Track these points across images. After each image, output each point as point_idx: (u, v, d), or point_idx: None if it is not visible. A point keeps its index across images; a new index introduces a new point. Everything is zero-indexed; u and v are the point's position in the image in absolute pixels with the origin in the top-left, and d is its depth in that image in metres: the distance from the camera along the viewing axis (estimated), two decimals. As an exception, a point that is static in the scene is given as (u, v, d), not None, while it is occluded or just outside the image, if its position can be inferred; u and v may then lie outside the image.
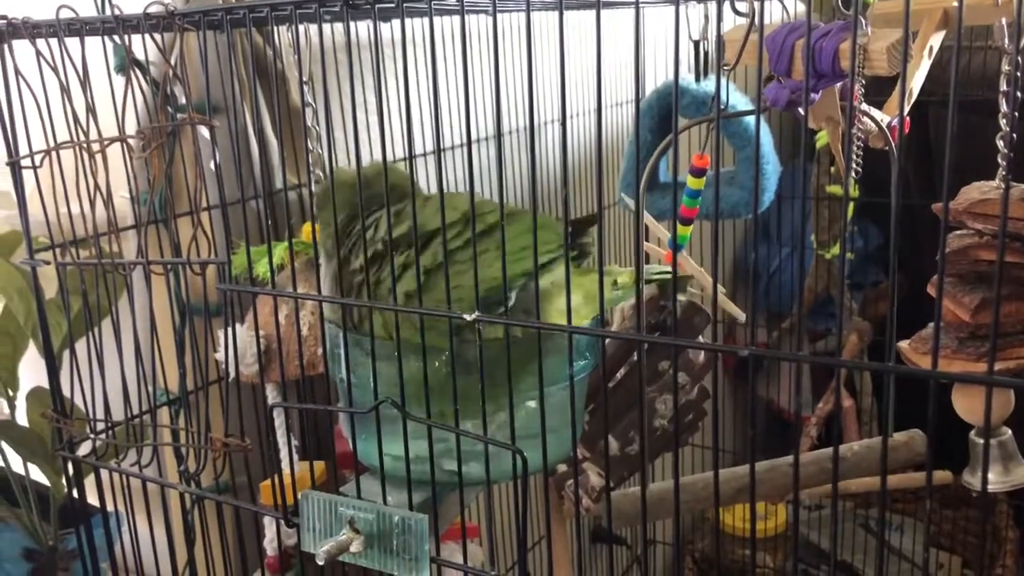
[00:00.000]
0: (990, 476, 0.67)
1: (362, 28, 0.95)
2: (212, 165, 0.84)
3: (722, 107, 0.57)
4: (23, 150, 0.78)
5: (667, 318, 0.92)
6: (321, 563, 0.65)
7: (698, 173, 0.79)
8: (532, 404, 0.68)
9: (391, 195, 0.66)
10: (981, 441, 0.68)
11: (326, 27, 0.68)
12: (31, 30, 0.73)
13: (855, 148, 0.69)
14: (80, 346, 0.83)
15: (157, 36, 0.72)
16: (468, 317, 0.61)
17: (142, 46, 0.85)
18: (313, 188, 0.77)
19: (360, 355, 0.71)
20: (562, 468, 0.98)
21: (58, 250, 0.81)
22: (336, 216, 0.71)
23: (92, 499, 0.89)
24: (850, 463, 0.81)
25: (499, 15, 0.60)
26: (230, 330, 0.79)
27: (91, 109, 0.74)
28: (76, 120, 0.74)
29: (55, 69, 0.73)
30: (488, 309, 0.65)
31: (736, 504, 0.97)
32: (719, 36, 0.55)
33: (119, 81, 0.75)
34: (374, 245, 0.70)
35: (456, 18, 0.90)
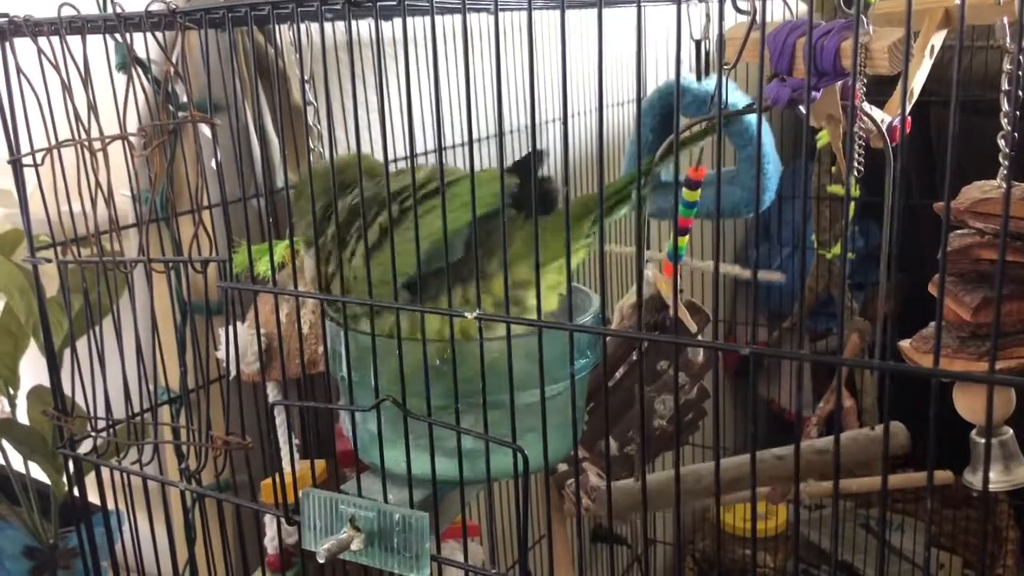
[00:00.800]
0: (991, 476, 0.66)
1: (363, 27, 0.95)
2: (213, 163, 0.84)
3: (723, 106, 0.57)
4: (24, 148, 0.78)
5: (666, 318, 0.92)
6: (322, 561, 0.65)
7: (693, 186, 0.79)
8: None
9: (364, 177, 0.67)
10: (982, 440, 0.68)
11: (327, 25, 0.68)
12: (33, 28, 0.73)
13: (856, 147, 0.69)
14: (81, 344, 0.83)
15: (159, 34, 0.72)
16: (469, 315, 0.61)
17: (143, 44, 0.85)
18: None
19: (357, 350, 0.71)
20: (562, 468, 0.98)
21: (59, 248, 0.81)
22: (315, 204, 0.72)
23: (93, 497, 0.89)
24: (830, 454, 0.83)
25: (501, 14, 0.60)
26: (231, 328, 0.79)
27: (92, 107, 0.74)
28: (77, 118, 0.74)
29: (56, 67, 0.73)
30: (434, 261, 0.66)
31: (728, 495, 0.98)
32: (720, 35, 0.55)
33: (120, 79, 0.75)
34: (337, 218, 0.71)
35: (457, 16, 0.90)
